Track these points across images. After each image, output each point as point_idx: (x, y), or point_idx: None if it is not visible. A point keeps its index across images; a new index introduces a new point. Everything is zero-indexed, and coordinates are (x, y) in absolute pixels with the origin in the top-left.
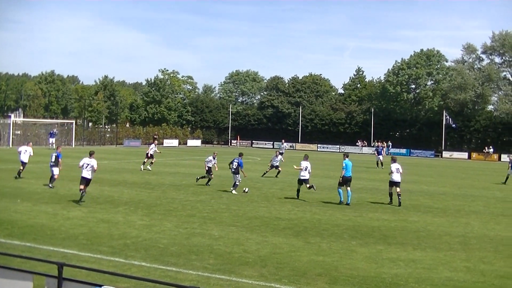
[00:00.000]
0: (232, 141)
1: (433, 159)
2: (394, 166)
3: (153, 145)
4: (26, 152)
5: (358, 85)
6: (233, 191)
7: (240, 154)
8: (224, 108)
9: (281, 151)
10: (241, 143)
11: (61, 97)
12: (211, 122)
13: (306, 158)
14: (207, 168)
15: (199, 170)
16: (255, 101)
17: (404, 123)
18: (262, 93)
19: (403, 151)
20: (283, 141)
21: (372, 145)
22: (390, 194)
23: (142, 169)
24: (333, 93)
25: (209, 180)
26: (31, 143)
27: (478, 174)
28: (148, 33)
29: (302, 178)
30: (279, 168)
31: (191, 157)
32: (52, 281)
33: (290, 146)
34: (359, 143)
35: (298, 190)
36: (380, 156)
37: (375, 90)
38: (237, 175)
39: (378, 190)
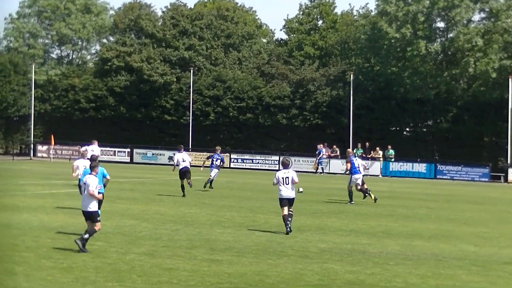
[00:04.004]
0: (39, 146)
1: (487, 184)
2: (283, 174)
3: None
4: None
5: (320, 22)
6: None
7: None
8: (19, 74)
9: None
10: (57, 152)
11: None
12: None
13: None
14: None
15: None
16: (90, 57)
17: (421, 107)
18: (105, 40)
19: (422, 166)
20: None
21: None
22: (285, 217)
23: None
24: (265, 41)
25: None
26: None
27: None
28: None
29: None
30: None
31: None
32: None
33: (170, 157)
34: (323, 148)
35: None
36: None
37: (357, 34)
38: None
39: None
